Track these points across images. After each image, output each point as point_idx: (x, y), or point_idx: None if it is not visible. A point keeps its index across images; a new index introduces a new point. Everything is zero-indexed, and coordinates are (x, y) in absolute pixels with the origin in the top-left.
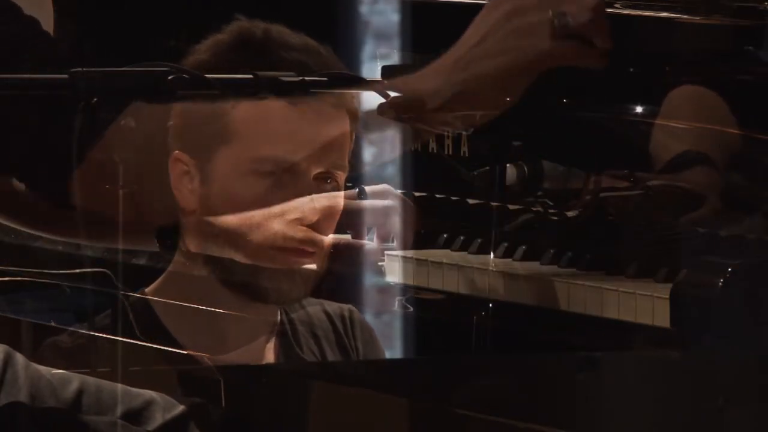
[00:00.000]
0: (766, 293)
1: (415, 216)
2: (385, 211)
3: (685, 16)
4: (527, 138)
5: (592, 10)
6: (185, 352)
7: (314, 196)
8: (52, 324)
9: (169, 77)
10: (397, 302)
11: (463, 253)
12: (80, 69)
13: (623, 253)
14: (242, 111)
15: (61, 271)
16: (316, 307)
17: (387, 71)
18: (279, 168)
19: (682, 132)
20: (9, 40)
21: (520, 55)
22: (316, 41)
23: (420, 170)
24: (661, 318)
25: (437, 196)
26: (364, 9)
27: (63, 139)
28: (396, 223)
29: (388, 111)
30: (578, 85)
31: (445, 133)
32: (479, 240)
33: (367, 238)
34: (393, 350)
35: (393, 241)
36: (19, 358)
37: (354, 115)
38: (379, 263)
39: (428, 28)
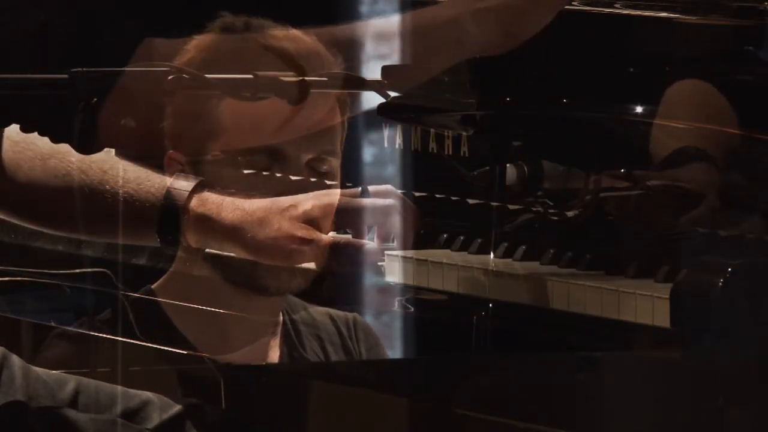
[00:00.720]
0: (766, 293)
1: (417, 217)
2: (386, 211)
3: (685, 16)
4: (527, 138)
5: None
6: (185, 352)
7: (315, 193)
8: (52, 324)
9: (169, 77)
10: (397, 302)
11: (463, 253)
12: (80, 69)
13: (623, 253)
14: (230, 104)
15: (61, 271)
16: (321, 313)
17: (387, 71)
18: (271, 158)
19: (681, 129)
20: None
21: None
22: (301, 30)
23: (420, 170)
24: (661, 318)
25: (437, 196)
26: (364, 9)
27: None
28: (396, 223)
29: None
30: (578, 85)
31: (445, 133)
32: (479, 240)
33: (367, 237)
34: (393, 350)
35: (393, 241)
36: (16, 360)
37: (343, 100)
38: (379, 263)
39: None
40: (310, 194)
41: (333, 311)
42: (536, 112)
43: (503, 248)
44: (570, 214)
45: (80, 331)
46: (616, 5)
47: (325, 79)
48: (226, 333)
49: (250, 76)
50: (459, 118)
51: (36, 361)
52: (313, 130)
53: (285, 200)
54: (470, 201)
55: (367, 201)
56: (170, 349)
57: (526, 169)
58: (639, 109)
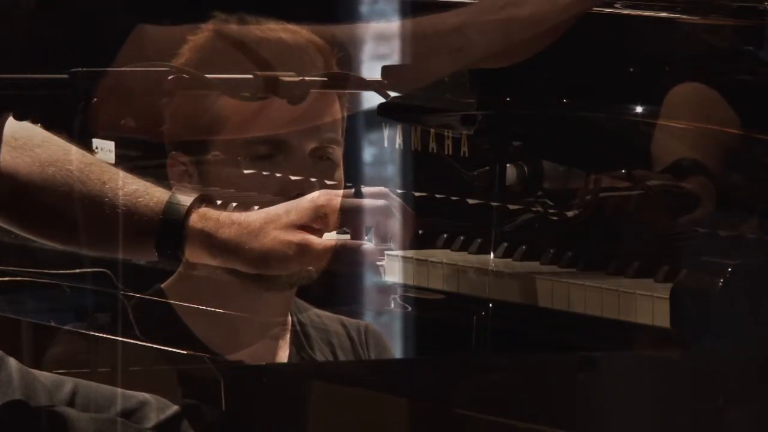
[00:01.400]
0: (766, 293)
1: (413, 218)
2: (381, 211)
3: (685, 16)
4: (527, 138)
5: None
6: (185, 352)
7: (310, 195)
8: (52, 324)
9: (169, 77)
10: (397, 302)
11: (463, 253)
12: (80, 69)
13: (623, 253)
14: (229, 98)
15: (61, 271)
16: (333, 319)
17: (387, 71)
18: (274, 149)
19: (683, 130)
20: None
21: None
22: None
23: (420, 170)
24: (661, 318)
25: (437, 196)
26: (364, 9)
27: None
28: (392, 223)
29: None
30: (578, 85)
31: (445, 133)
32: (479, 240)
33: (366, 238)
34: (393, 350)
35: (390, 242)
36: (12, 362)
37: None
38: (378, 263)
39: None
40: (304, 198)
41: (345, 318)
42: (536, 112)
43: (503, 248)
44: (570, 214)
45: (80, 331)
46: (616, 5)
47: (326, 78)
48: (236, 331)
49: (250, 76)
50: (459, 118)
51: (39, 360)
52: (314, 122)
53: (278, 209)
54: (470, 201)
55: (362, 201)
56: (170, 349)
57: (526, 169)
58: (639, 109)
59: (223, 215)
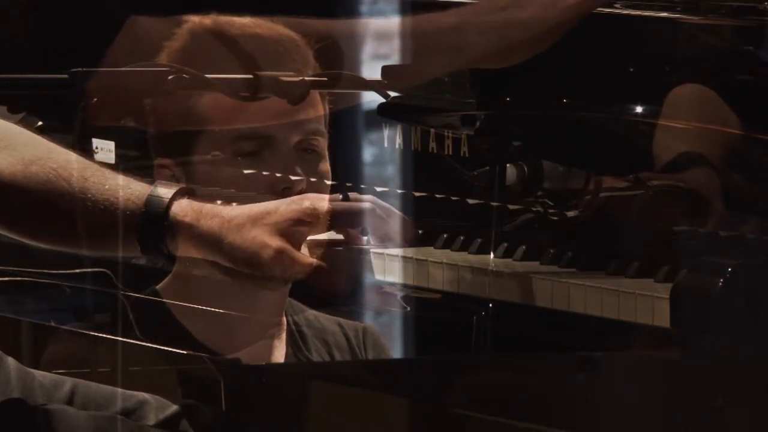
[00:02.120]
0: (766, 293)
1: (404, 222)
2: (369, 213)
3: (685, 16)
4: (527, 138)
5: None
6: (185, 352)
7: (293, 198)
8: (52, 324)
9: (169, 77)
10: (396, 302)
11: (463, 253)
12: (80, 69)
13: (623, 253)
14: (210, 96)
15: (61, 271)
16: (330, 320)
17: (387, 71)
18: (259, 144)
19: (683, 131)
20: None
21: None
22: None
23: (420, 170)
24: (661, 318)
25: (437, 196)
26: (364, 9)
27: None
28: (382, 226)
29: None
30: (578, 85)
31: (445, 133)
32: (479, 240)
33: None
34: (393, 350)
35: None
36: (10, 361)
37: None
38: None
39: None
40: (291, 200)
41: (343, 320)
42: (536, 112)
43: (503, 248)
44: (570, 214)
45: (80, 331)
46: (616, 5)
47: (325, 78)
48: (231, 330)
49: (251, 76)
50: (459, 118)
51: (38, 360)
52: (296, 109)
53: (263, 207)
54: (470, 201)
55: (350, 204)
56: (170, 349)
57: (526, 169)
58: (639, 110)
59: (207, 207)
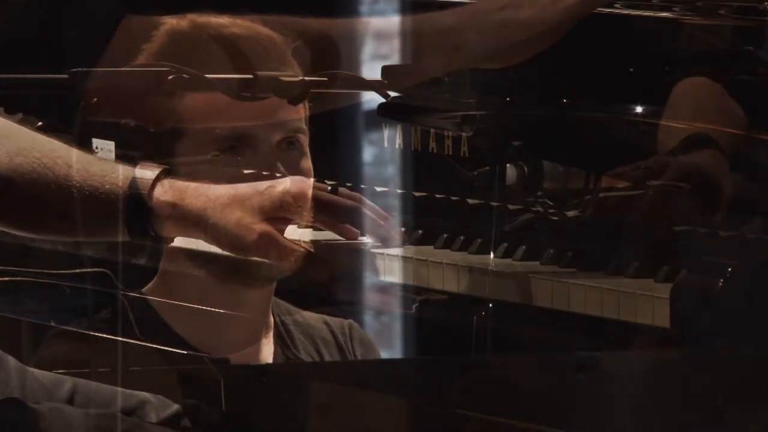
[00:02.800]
0: (766, 293)
1: (388, 221)
2: (354, 207)
3: (685, 16)
4: (527, 138)
5: None
6: (185, 352)
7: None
8: (52, 324)
9: (169, 77)
10: (402, 302)
11: (463, 253)
12: (80, 69)
13: (623, 253)
14: (191, 98)
15: (61, 271)
16: (315, 318)
17: (387, 71)
18: (241, 143)
19: (692, 117)
20: None
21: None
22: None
23: (420, 170)
24: (661, 318)
25: (437, 196)
26: (364, 9)
27: None
28: (366, 219)
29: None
30: (578, 85)
31: (445, 133)
32: (479, 240)
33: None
34: (393, 350)
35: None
36: (11, 361)
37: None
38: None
39: None
40: (277, 183)
41: (328, 317)
42: (536, 112)
43: (503, 248)
44: (570, 214)
45: (80, 330)
46: (616, 5)
47: (325, 78)
48: (219, 332)
49: (250, 76)
50: (459, 118)
51: (36, 360)
52: (277, 107)
53: (249, 188)
54: (470, 201)
55: (335, 196)
56: (170, 349)
57: (526, 169)
58: (639, 109)
59: (191, 186)
